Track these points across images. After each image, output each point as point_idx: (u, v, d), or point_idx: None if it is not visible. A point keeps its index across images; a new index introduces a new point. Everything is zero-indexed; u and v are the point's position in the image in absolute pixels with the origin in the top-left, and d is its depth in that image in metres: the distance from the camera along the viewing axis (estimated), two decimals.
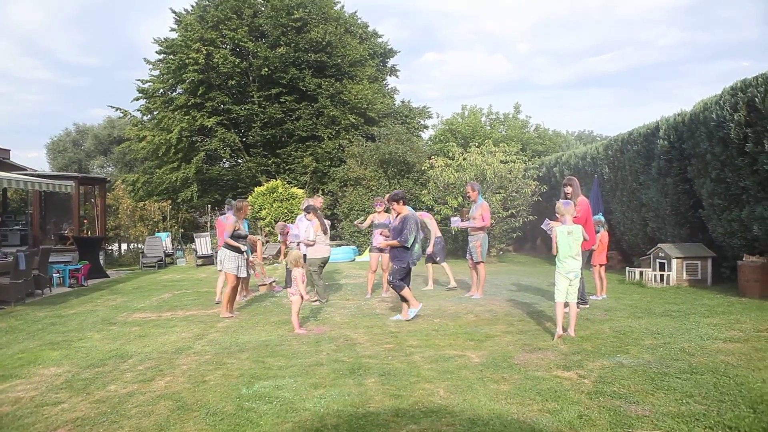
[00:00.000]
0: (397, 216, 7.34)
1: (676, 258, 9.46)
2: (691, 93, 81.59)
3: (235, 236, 7.83)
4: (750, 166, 8.09)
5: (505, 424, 3.54)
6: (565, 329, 5.83)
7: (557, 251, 5.94)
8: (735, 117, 8.16)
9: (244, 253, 7.96)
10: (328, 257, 8.83)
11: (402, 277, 7.06)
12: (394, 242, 7.04)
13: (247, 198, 18.11)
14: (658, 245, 9.96)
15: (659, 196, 10.56)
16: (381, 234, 8.62)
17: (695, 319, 6.41)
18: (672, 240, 10.28)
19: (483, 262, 8.84)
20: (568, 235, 5.89)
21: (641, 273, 9.98)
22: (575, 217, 6.41)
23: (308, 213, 8.64)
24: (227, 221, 8.01)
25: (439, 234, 10.10)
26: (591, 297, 8.12)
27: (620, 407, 3.75)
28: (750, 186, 8.16)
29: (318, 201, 9.82)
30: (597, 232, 8.49)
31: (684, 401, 3.80)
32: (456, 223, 9.51)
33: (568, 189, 7.56)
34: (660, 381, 4.23)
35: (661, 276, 9.59)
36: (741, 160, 8.21)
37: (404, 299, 7.07)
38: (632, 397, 3.94)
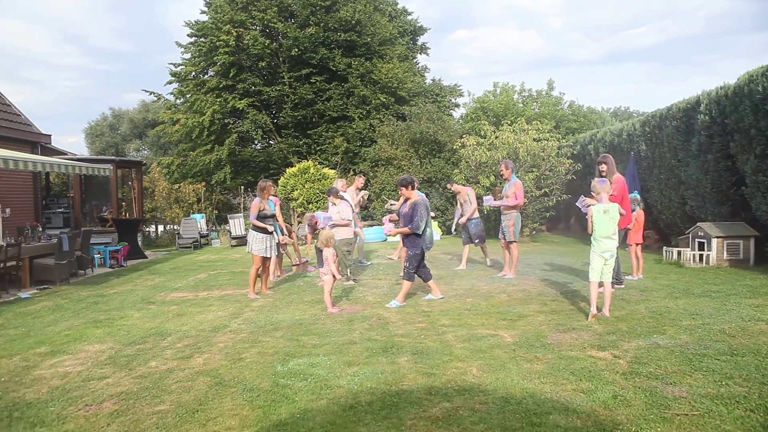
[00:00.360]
0: (406, 201, 7.14)
1: (717, 237, 9.20)
2: (734, 66, 78.35)
3: (261, 217, 7.93)
4: None
5: (539, 403, 3.54)
6: (599, 309, 5.77)
7: (593, 230, 5.87)
8: None
9: (273, 233, 8.05)
10: (351, 239, 8.78)
11: (417, 264, 6.99)
12: (405, 230, 6.92)
13: (279, 179, 18.32)
14: (698, 224, 9.69)
15: (699, 173, 10.24)
16: (390, 220, 8.54)
17: (736, 300, 6.25)
18: (712, 219, 9.98)
19: (516, 241, 8.77)
20: (604, 213, 5.82)
21: (679, 253, 9.74)
22: (611, 195, 6.27)
23: (329, 195, 8.77)
24: (252, 203, 8.13)
25: (477, 215, 9.99)
26: (627, 277, 7.99)
27: (656, 388, 3.71)
28: None
29: (339, 183, 9.87)
30: (633, 210, 8.32)
31: (723, 383, 3.73)
32: (488, 201, 9.42)
33: (603, 167, 7.39)
34: (698, 362, 4.16)
35: (701, 256, 9.35)
36: None
37: (406, 289, 6.98)
38: (669, 378, 3.88)
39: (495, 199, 9.30)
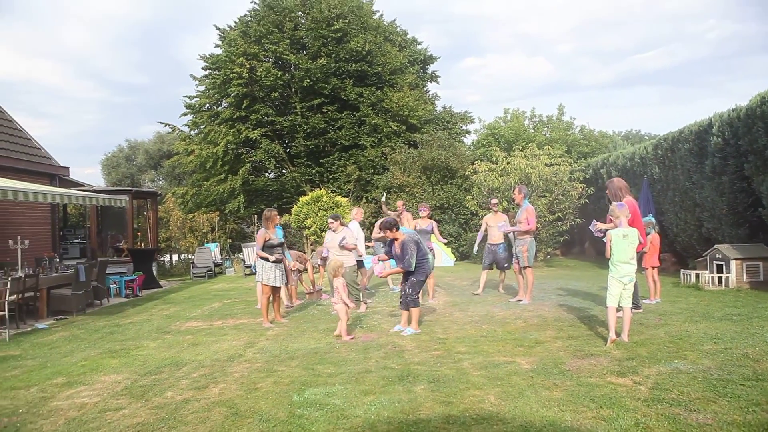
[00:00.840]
0: (393, 243, 7.02)
1: (735, 259, 9.07)
2: (744, 87, 78.18)
3: (267, 246, 7.96)
4: None
5: (559, 431, 3.47)
6: (618, 334, 5.68)
7: (611, 255, 5.83)
8: None
9: (284, 259, 8.06)
10: (354, 265, 8.73)
11: (419, 290, 6.97)
12: (399, 269, 6.92)
13: (292, 207, 18.44)
14: (715, 246, 9.58)
15: (714, 195, 10.17)
16: (379, 259, 7.71)
17: (759, 323, 6.12)
18: (729, 240, 9.87)
19: (530, 266, 8.71)
20: (623, 238, 5.78)
21: (697, 275, 9.61)
22: None
23: (334, 220, 8.83)
24: (257, 233, 8.16)
25: (503, 240, 9.82)
26: (644, 301, 7.88)
27: (680, 415, 3.63)
28: None
29: (356, 211, 9.98)
30: (647, 233, 8.25)
31: (750, 409, 3.64)
32: (502, 228, 9.40)
33: (608, 192, 7.41)
34: (722, 388, 4.07)
35: (719, 278, 9.22)
36: None
37: (411, 316, 6.88)
38: (692, 404, 3.80)
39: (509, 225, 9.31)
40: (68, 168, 15.95)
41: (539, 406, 3.94)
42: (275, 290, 8.06)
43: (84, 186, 17.02)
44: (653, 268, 8.24)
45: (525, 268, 8.70)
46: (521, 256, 8.69)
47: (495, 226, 9.64)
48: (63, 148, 65.72)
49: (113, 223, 18.30)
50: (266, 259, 7.90)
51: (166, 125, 25.52)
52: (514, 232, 8.99)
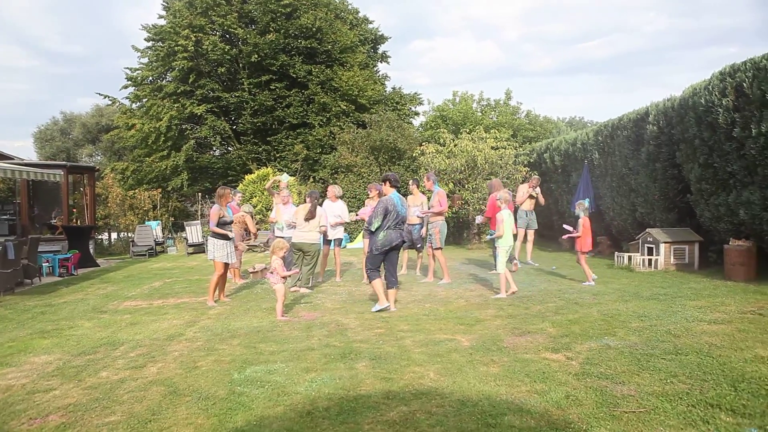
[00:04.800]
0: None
1: (664, 242, 9.56)
2: (679, 79, 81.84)
3: (221, 224, 7.84)
4: (737, 151, 8.16)
5: (494, 404, 3.60)
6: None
7: (503, 232, 7.55)
8: (723, 102, 8.22)
9: (232, 240, 7.97)
10: (298, 242, 8.64)
11: (376, 266, 6.85)
12: (365, 217, 7.00)
13: (237, 185, 18.07)
14: (647, 230, 10.06)
15: (648, 181, 10.64)
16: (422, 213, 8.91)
17: (681, 302, 6.51)
18: (660, 225, 10.38)
19: (441, 248, 9.02)
20: (508, 217, 7.67)
21: (630, 258, 10.08)
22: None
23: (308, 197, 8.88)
24: (211, 210, 8.05)
25: (418, 222, 10.01)
26: (583, 284, 8.28)
27: (606, 387, 3.83)
28: (737, 171, 8.25)
29: (337, 189, 10.08)
30: (578, 217, 8.59)
31: (668, 381, 3.88)
32: (416, 212, 9.49)
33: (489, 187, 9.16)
34: (646, 362, 4.31)
35: (650, 260, 9.70)
36: (729, 145, 8.29)
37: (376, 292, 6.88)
38: (618, 377, 4.01)
39: (454, 205, 9.50)
40: None
41: (477, 381, 4.06)
42: (226, 267, 7.97)
43: (13, 159, 16.07)
44: (583, 252, 8.51)
45: (436, 249, 8.95)
46: (433, 237, 8.97)
47: (412, 206, 9.84)
48: None
49: (46, 200, 17.41)
50: (225, 237, 7.77)
51: (105, 97, 24.34)
52: (427, 215, 9.18)
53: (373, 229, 6.83)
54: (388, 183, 7.05)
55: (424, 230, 9.66)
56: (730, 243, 8.38)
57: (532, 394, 3.77)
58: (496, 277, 9.14)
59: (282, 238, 8.02)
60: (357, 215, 10.17)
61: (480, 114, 24.67)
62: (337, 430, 3.32)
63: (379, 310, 6.70)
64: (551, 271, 9.84)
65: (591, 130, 13.54)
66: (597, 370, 4.20)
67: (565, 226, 8.84)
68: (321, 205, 9.59)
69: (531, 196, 11.01)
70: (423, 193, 9.49)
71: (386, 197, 6.92)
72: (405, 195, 9.40)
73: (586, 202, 9.05)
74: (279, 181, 10.33)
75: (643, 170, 10.74)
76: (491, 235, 8.40)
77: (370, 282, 6.93)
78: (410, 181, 9.61)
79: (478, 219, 10.09)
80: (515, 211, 10.37)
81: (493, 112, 25.11)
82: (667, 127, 10.07)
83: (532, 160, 15.99)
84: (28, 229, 14.54)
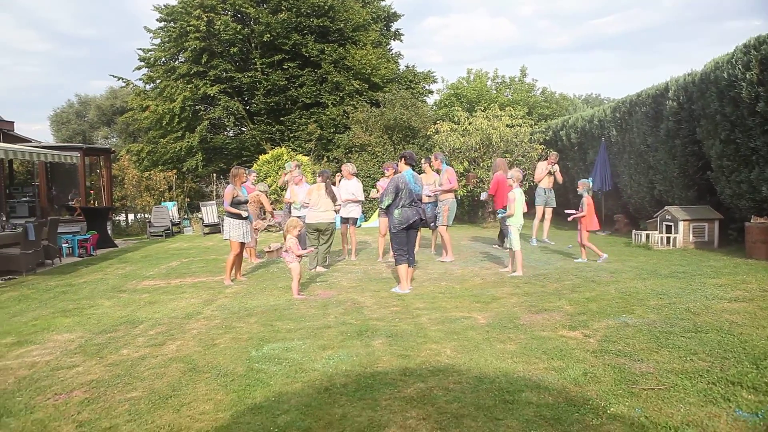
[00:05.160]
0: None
1: (683, 220, 9.43)
2: (700, 54, 79.81)
3: (235, 203, 7.87)
4: (761, 126, 7.98)
5: (511, 381, 3.60)
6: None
7: (515, 211, 7.60)
8: (747, 76, 8.01)
9: (247, 219, 8.00)
10: (314, 222, 8.61)
11: (401, 246, 6.73)
12: (377, 196, 6.98)
13: (252, 166, 18.10)
14: (665, 208, 9.92)
15: (667, 158, 10.46)
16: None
17: (701, 280, 6.43)
18: (679, 202, 10.23)
19: (448, 225, 9.02)
20: (520, 197, 7.70)
21: (648, 236, 9.97)
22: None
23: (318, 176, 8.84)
24: (225, 190, 8.08)
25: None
26: (577, 260, 8.34)
27: (624, 365, 3.80)
28: (760, 146, 8.07)
29: (351, 167, 10.00)
30: (581, 196, 8.49)
31: (688, 358, 3.85)
32: (426, 191, 9.43)
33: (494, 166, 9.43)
34: (665, 339, 4.28)
35: (668, 238, 9.59)
36: (752, 120, 8.10)
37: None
38: (637, 355, 3.99)
39: (469, 184, 9.48)
40: (12, 123, 15.18)
41: (493, 359, 4.06)
42: (242, 247, 8.03)
43: (31, 142, 16.24)
44: (588, 231, 8.38)
45: (442, 226, 8.96)
46: (441, 214, 8.97)
47: (424, 185, 9.82)
48: (4, 101, 62.17)
49: (64, 182, 17.61)
50: (239, 216, 7.81)
51: (119, 79, 24.29)
52: (437, 193, 9.12)
53: (384, 207, 6.82)
54: (403, 160, 6.98)
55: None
56: (752, 220, 8.23)
57: (550, 371, 3.76)
58: (510, 256, 9.15)
59: (298, 217, 8.07)
60: (377, 191, 10.11)
61: (495, 92, 24.37)
62: (354, 406, 3.34)
63: (397, 293, 6.66)
64: (567, 250, 9.76)
65: (608, 106, 13.32)
66: (615, 347, 4.17)
67: (566, 211, 8.92)
68: (335, 183, 9.60)
69: (549, 173, 10.89)
70: (437, 172, 9.45)
71: (399, 175, 6.87)
72: (420, 174, 9.36)
73: (590, 182, 8.91)
74: (289, 171, 10.36)
75: (662, 147, 10.56)
76: (501, 213, 8.39)
77: (396, 264, 6.84)
78: (422, 160, 9.59)
79: (483, 195, 10.10)
80: (534, 189, 10.46)
81: (508, 90, 24.79)
82: (688, 102, 9.86)
83: (548, 138, 15.80)
84: (48, 211, 14.75)
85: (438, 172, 9.33)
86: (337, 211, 8.82)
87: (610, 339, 4.38)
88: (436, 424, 3.06)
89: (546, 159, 11.44)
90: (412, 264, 7.01)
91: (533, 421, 3.03)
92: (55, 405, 3.58)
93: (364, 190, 10.72)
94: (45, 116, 69.38)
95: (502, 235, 9.57)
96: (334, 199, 8.60)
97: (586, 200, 8.37)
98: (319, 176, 8.83)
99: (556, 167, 10.98)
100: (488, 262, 8.79)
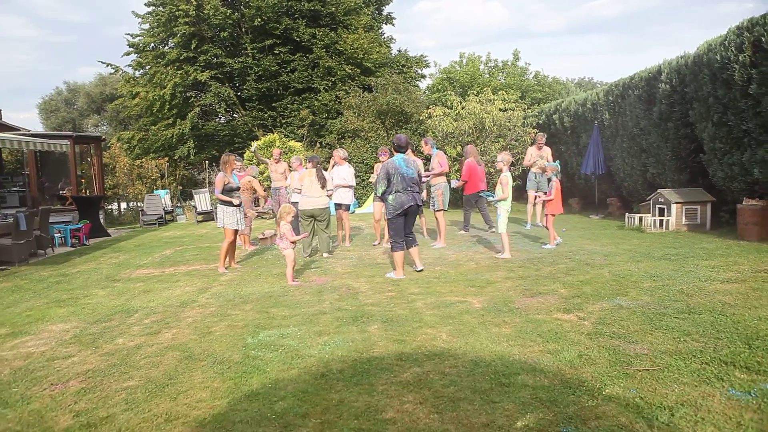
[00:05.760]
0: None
1: (676, 203, 9.47)
2: (693, 37, 79.76)
3: (226, 190, 7.83)
4: (753, 109, 7.99)
5: (507, 364, 3.62)
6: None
7: (509, 194, 7.59)
8: (740, 58, 8.00)
9: (240, 206, 7.97)
10: (308, 208, 8.53)
11: (398, 232, 6.74)
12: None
13: (244, 152, 18.01)
14: (658, 191, 9.96)
15: (660, 141, 10.48)
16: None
17: (694, 262, 6.48)
18: (672, 185, 10.26)
19: (444, 210, 9.03)
20: (512, 182, 7.73)
21: (641, 219, 10.02)
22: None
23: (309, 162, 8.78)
24: (216, 177, 8.03)
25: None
26: (544, 246, 8.29)
27: (619, 346, 3.83)
28: (752, 129, 8.08)
29: (342, 152, 9.93)
30: (549, 180, 8.53)
31: (681, 339, 3.88)
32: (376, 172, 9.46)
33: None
34: (658, 321, 4.31)
35: (661, 221, 9.63)
36: (744, 103, 8.10)
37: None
38: (631, 336, 4.02)
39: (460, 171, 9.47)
40: (0, 111, 14.97)
41: (489, 342, 4.08)
42: (236, 234, 8.01)
43: (20, 130, 16.05)
44: (553, 215, 8.36)
45: (438, 211, 8.94)
46: (436, 199, 8.97)
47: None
48: None
49: (54, 170, 17.44)
50: (230, 203, 7.78)
51: (108, 65, 24.09)
52: (428, 177, 9.12)
53: (378, 194, 6.84)
54: (393, 147, 7.02)
55: (424, 194, 9.66)
56: (744, 202, 8.28)
57: (545, 354, 3.78)
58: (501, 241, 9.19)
59: (294, 203, 8.05)
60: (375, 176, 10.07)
61: (487, 76, 24.26)
62: (351, 391, 3.36)
63: (392, 278, 6.66)
64: (561, 233, 9.79)
65: (601, 90, 13.30)
66: (609, 329, 4.21)
67: (533, 192, 9.50)
68: (326, 169, 9.56)
69: (540, 158, 10.89)
70: (428, 157, 9.46)
71: (389, 160, 6.86)
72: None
73: (557, 165, 9.09)
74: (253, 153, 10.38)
75: (655, 130, 10.57)
76: (488, 196, 8.46)
77: (392, 251, 6.84)
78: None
79: (454, 183, 10.13)
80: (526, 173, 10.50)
81: (500, 74, 24.69)
82: (680, 85, 9.85)
83: (541, 122, 15.78)
84: (38, 201, 14.63)
85: (429, 157, 9.33)
86: (328, 197, 8.79)
87: (605, 321, 4.41)
88: (433, 408, 3.08)
89: (535, 143, 11.43)
90: (414, 244, 6.98)
91: (529, 404, 3.05)
92: (51, 395, 3.57)
93: (357, 175, 10.72)
94: (33, 104, 68.70)
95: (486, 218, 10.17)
96: (324, 185, 8.54)
97: (555, 184, 8.40)
98: (309, 162, 8.78)
99: (548, 151, 10.99)
100: (482, 246, 8.81)
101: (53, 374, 3.94)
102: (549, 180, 8.58)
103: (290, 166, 10.23)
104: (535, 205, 10.86)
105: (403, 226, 6.78)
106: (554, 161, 10.34)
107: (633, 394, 3.10)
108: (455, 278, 6.44)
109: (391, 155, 7.10)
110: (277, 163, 11.24)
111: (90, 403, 3.42)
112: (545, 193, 8.64)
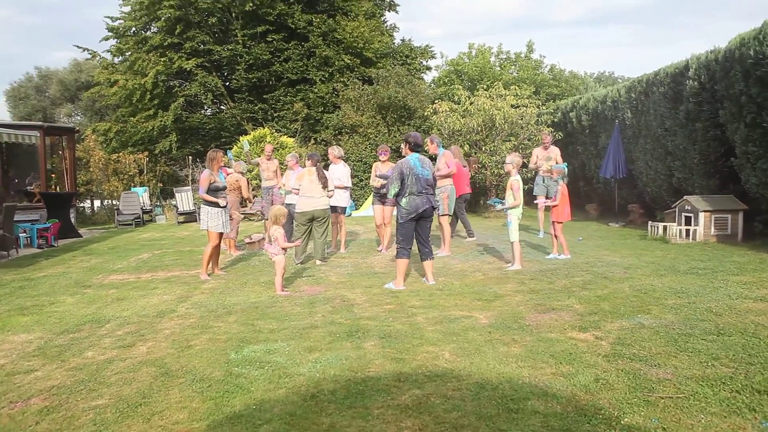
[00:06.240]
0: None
1: (704, 211, 9.45)
2: (723, 30, 79.94)
3: (212, 190, 7.79)
4: None
5: (516, 388, 3.59)
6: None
7: (521, 200, 7.59)
8: None
9: (226, 207, 7.94)
10: (309, 210, 8.47)
11: (407, 238, 6.71)
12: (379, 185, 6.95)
13: (231, 148, 18.00)
14: (684, 197, 9.94)
15: (687, 143, 10.47)
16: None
17: (723, 277, 6.45)
18: (700, 192, 10.25)
19: (449, 215, 9.02)
20: (524, 187, 7.76)
21: (665, 228, 10.00)
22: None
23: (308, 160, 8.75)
24: (201, 175, 8.00)
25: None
26: (548, 256, 8.25)
27: (640, 370, 3.80)
28: None
29: (338, 150, 9.94)
30: (556, 181, 8.49)
31: (709, 364, 3.85)
32: (380, 175, 9.40)
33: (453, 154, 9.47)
34: (684, 342, 4.28)
35: (687, 231, 9.61)
36: None
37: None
38: (653, 359, 3.99)
39: (470, 169, 9.44)
40: None
41: (496, 363, 4.05)
42: (221, 237, 8.00)
43: None
44: (559, 222, 8.24)
45: (443, 216, 8.92)
46: (441, 203, 8.90)
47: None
48: None
49: (23, 164, 17.42)
50: (216, 204, 7.75)
51: (84, 50, 24.04)
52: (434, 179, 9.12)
53: (390, 196, 6.77)
54: (407, 146, 6.91)
55: None
56: None
57: (558, 377, 3.75)
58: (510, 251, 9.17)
59: (289, 205, 8.02)
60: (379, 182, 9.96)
61: (499, 69, 24.33)
62: (344, 415, 3.32)
63: (391, 289, 6.63)
64: (577, 242, 9.78)
65: (623, 86, 13.31)
66: (629, 351, 4.17)
67: (536, 200, 9.66)
68: (326, 168, 9.53)
69: (547, 159, 10.82)
70: (432, 158, 9.44)
71: (403, 160, 6.81)
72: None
73: (565, 167, 8.93)
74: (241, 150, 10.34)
75: (682, 131, 10.56)
76: (497, 202, 8.53)
77: (396, 257, 6.79)
78: (402, 144, 9.37)
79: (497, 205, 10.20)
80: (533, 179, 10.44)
81: (513, 67, 24.76)
82: (710, 82, 9.85)
83: (556, 120, 15.79)
84: (3, 197, 14.59)
85: (432, 157, 9.30)
86: (329, 197, 8.72)
87: (624, 342, 4.38)
88: None
89: (541, 144, 11.39)
90: (429, 257, 6.95)
91: None
92: (10, 414, 3.53)
93: (354, 175, 10.70)
94: (0, 91, 68.71)
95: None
96: (325, 184, 8.49)
97: (561, 188, 8.34)
98: (308, 160, 8.73)
99: (556, 152, 10.90)
100: (490, 256, 8.78)
101: (13, 391, 3.90)
102: (555, 183, 8.53)
103: (283, 165, 10.21)
104: (548, 211, 10.83)
105: (413, 231, 6.76)
106: (563, 163, 10.27)
107: (655, 424, 3.06)
108: (460, 290, 6.41)
109: (396, 154, 7.07)
110: (269, 160, 11.22)
111: (54, 423, 3.38)
112: (548, 198, 8.59)
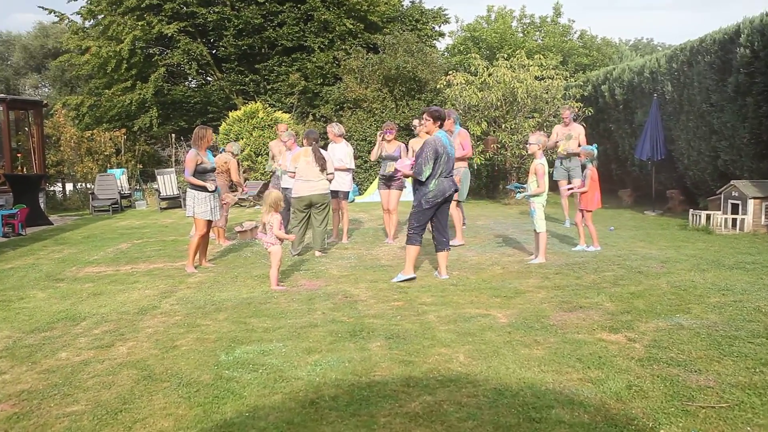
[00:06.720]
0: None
1: (754, 198, 9.44)
2: None
3: (199, 172, 7.80)
4: None
5: (538, 395, 3.63)
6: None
7: (546, 187, 7.51)
8: None
9: (215, 192, 7.95)
10: (306, 195, 8.49)
11: (422, 224, 6.73)
12: (408, 171, 6.89)
13: (220, 125, 18.03)
14: (732, 182, 9.92)
15: (736, 120, 10.43)
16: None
17: None
18: (749, 176, 10.23)
19: (461, 201, 9.06)
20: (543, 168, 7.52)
21: (708, 216, 9.99)
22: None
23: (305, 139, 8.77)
24: (187, 156, 7.98)
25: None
26: (575, 248, 8.28)
27: (678, 376, 3.83)
28: None
29: (337, 128, 9.86)
30: (584, 166, 8.43)
31: (757, 370, 3.87)
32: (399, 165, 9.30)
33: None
34: (728, 346, 4.30)
35: (734, 220, 9.61)
36: None
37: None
38: (693, 364, 4.01)
39: (487, 150, 9.43)
40: None
41: (516, 366, 4.09)
42: (209, 225, 8.05)
43: None
44: (588, 210, 8.23)
45: (453, 201, 8.89)
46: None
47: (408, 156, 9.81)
48: None
49: None
50: (203, 188, 7.77)
51: (50, 12, 23.94)
52: None
53: (423, 179, 6.60)
54: (431, 120, 6.77)
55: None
56: None
57: (586, 383, 3.78)
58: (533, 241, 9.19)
59: (286, 189, 8.04)
60: (396, 170, 9.88)
61: (521, 35, 24.21)
62: (346, 423, 3.37)
63: (401, 281, 6.68)
64: (608, 233, 9.79)
65: (662, 55, 13.24)
66: (666, 354, 4.20)
67: (563, 187, 9.67)
68: (325, 147, 9.53)
69: (567, 137, 10.75)
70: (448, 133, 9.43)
71: (433, 137, 6.67)
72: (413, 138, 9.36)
73: (594, 149, 8.51)
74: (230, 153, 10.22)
75: (730, 106, 10.52)
76: (517, 187, 8.51)
77: (407, 243, 6.82)
78: (423, 118, 9.30)
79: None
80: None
81: (537, 33, 24.64)
82: (764, 50, 9.78)
83: (586, 94, 15.73)
84: None
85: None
86: (330, 181, 8.70)
87: (660, 344, 4.40)
88: None
89: (561, 122, 11.33)
90: (445, 247, 6.95)
91: None
92: None
93: (358, 156, 10.69)
94: None
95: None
96: (323, 167, 8.50)
97: (590, 173, 8.25)
98: (305, 138, 8.74)
99: (579, 131, 10.81)
100: (509, 247, 8.81)
101: None
102: (583, 167, 8.48)
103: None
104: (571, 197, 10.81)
105: (431, 218, 6.77)
106: (589, 144, 10.11)
107: None
108: (476, 286, 6.44)
109: (406, 132, 7.05)
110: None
111: (24, 431, 3.44)
112: (571, 182, 8.52)
